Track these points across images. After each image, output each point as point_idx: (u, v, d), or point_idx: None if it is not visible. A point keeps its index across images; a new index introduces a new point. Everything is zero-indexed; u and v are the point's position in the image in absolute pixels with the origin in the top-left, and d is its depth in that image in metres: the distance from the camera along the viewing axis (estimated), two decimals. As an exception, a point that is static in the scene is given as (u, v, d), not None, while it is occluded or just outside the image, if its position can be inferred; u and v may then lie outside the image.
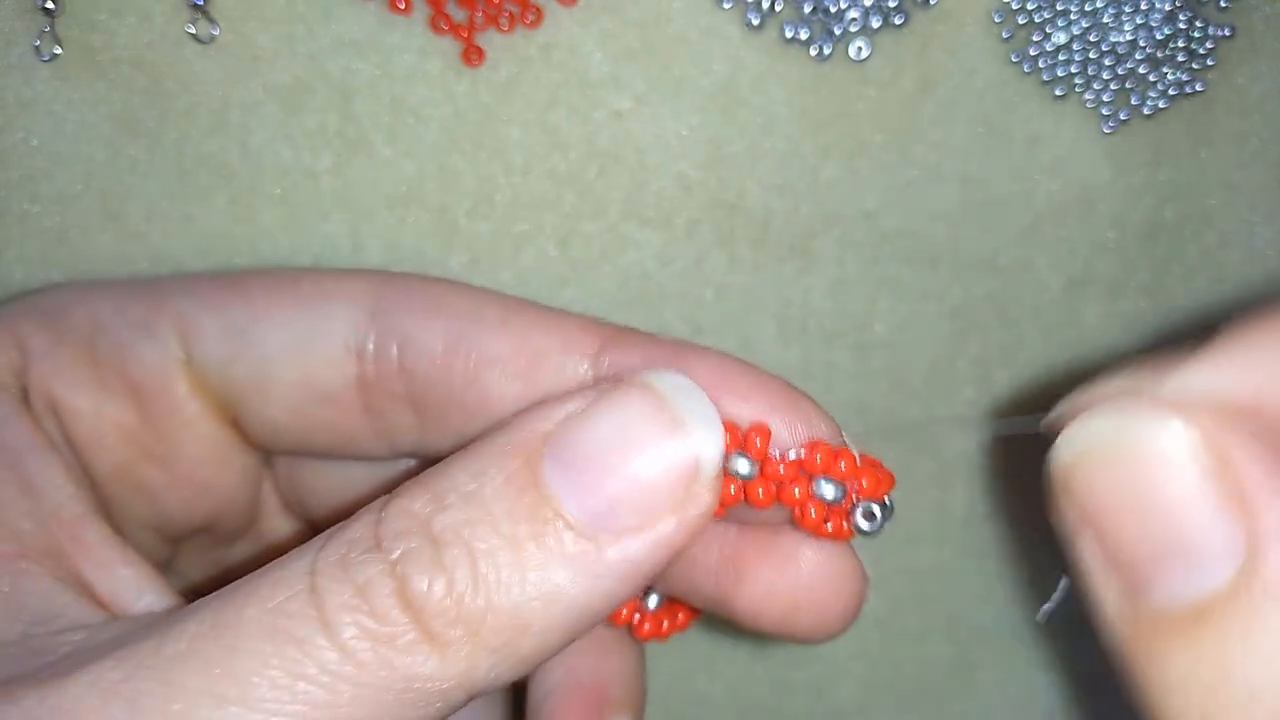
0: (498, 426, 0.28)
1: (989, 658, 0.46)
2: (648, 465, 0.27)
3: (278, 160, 0.39)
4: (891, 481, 0.30)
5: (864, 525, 0.29)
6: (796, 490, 0.29)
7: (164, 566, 0.36)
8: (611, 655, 0.36)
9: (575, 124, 0.39)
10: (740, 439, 0.29)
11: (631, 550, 0.26)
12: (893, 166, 0.41)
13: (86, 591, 0.30)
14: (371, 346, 0.33)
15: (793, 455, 0.29)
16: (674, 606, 0.36)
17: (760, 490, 0.29)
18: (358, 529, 0.27)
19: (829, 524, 0.30)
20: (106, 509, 0.33)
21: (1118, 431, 0.22)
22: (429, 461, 0.29)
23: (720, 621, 0.34)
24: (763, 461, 0.29)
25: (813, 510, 0.29)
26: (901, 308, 0.42)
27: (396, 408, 0.33)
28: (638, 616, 0.35)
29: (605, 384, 0.28)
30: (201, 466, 0.35)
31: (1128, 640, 0.22)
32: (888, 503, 0.30)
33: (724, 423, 0.28)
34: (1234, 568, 0.21)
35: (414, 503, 0.27)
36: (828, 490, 0.29)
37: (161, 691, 0.24)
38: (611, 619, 0.35)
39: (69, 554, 0.31)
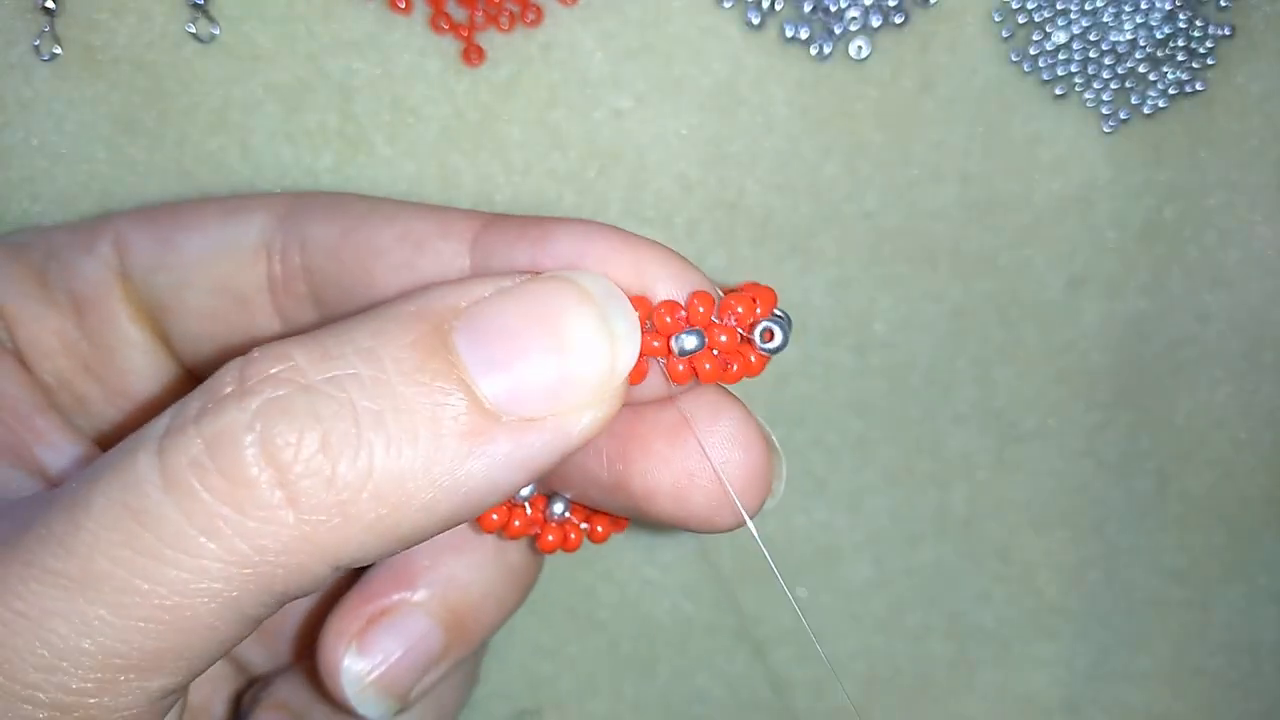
0: (399, 297, 0.26)
1: (989, 658, 0.46)
2: (571, 353, 0.25)
3: (278, 160, 0.39)
4: (772, 295, 0.28)
5: (768, 346, 0.27)
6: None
7: None
8: (457, 553, 0.34)
9: (575, 123, 0.39)
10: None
11: (536, 439, 0.25)
12: (893, 166, 0.41)
13: (44, 477, 0.30)
14: (279, 246, 0.33)
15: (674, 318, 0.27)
16: (593, 518, 0.33)
17: (680, 366, 0.27)
18: (218, 377, 0.24)
19: (733, 366, 0.28)
20: None
21: None
22: None
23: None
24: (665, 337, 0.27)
25: (707, 365, 0.27)
26: (901, 306, 0.42)
27: (301, 308, 0.33)
28: (518, 523, 0.32)
29: (522, 274, 0.27)
30: (135, 380, 0.35)
31: None
32: (781, 313, 0.28)
33: (637, 297, 0.27)
34: None
35: (294, 349, 0.24)
36: (688, 341, 0.27)
37: (19, 573, 0.23)
38: (482, 524, 0.32)
39: (26, 443, 0.31)
